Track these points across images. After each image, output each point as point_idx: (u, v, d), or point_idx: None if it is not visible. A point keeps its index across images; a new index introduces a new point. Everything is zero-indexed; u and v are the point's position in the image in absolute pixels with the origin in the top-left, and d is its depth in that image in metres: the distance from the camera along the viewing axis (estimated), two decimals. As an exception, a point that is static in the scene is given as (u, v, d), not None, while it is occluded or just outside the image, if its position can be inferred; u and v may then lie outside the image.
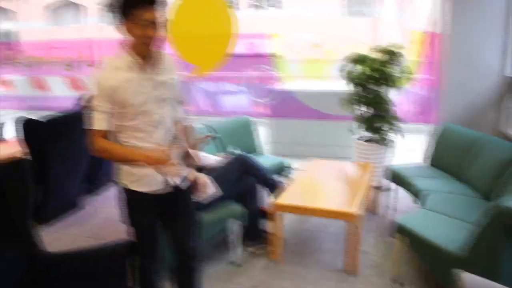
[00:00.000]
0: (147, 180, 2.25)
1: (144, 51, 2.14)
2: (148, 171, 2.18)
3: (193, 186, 2.51)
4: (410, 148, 6.43)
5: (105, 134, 2.16)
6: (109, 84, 2.10)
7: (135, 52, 2.14)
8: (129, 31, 2.09)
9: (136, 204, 2.31)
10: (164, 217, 2.40)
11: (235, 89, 6.63)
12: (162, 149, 2.17)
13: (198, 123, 4.50)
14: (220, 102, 6.90)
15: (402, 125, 5.05)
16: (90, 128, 2.14)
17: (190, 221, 2.51)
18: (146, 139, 2.20)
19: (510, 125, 4.87)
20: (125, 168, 2.25)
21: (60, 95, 7.68)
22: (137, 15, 2.05)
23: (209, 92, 6.95)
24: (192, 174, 2.46)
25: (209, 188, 3.14)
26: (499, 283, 2.06)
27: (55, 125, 4.08)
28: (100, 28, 7.46)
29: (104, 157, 2.18)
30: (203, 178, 2.49)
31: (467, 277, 2.00)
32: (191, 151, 2.41)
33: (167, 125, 2.27)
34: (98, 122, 2.13)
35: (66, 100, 7.44)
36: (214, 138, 3.90)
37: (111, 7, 2.11)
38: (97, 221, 4.33)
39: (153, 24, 2.08)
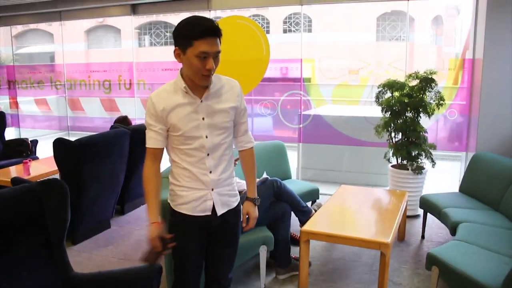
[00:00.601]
0: (194, 205, 2.22)
1: (201, 82, 2.08)
2: (198, 195, 2.20)
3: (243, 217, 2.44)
4: (444, 176, 6.31)
5: (157, 152, 2.18)
6: (162, 106, 2.10)
7: (191, 80, 2.10)
8: (188, 61, 2.02)
9: (181, 226, 2.27)
10: (209, 245, 2.35)
11: (267, 113, 6.66)
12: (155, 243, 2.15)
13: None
14: (253, 127, 6.94)
15: (436, 152, 4.97)
16: (146, 145, 2.18)
17: (233, 251, 2.43)
18: (196, 165, 2.17)
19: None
20: (174, 188, 2.26)
21: (96, 116, 7.89)
22: (198, 47, 1.98)
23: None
24: (246, 207, 2.41)
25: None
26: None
27: (89, 146, 4.18)
28: (137, 51, 7.66)
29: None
30: (253, 211, 2.43)
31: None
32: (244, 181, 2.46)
33: (220, 152, 2.22)
34: (150, 140, 2.16)
35: (103, 122, 7.67)
36: (237, 160, 3.91)
37: (174, 33, 2.06)
38: (129, 242, 4.37)
39: (214, 56, 2.02)
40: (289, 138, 6.54)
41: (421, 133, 4.85)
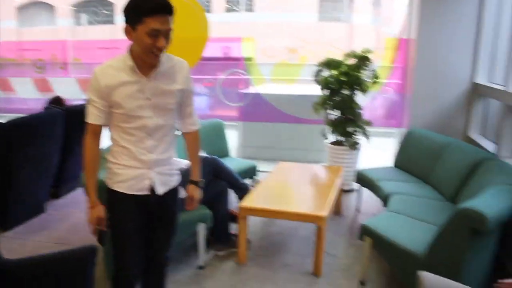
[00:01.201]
0: (132, 184, 2.18)
1: (151, 60, 2.02)
2: (136, 174, 2.16)
3: (187, 198, 2.43)
4: (379, 151, 6.54)
5: (98, 129, 2.13)
6: (106, 83, 2.03)
7: (140, 58, 2.03)
8: (138, 38, 1.97)
9: (119, 205, 2.22)
10: (147, 224, 2.30)
11: (207, 92, 6.63)
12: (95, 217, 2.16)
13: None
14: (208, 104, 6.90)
15: (372, 129, 5.12)
16: (86, 120, 2.12)
17: (172, 230, 2.42)
18: (137, 144, 2.12)
19: (478, 131, 4.98)
20: (112, 167, 2.20)
21: (27, 97, 7.55)
22: (149, 24, 1.92)
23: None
24: (191, 190, 2.41)
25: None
26: (462, 283, 2.11)
27: (19, 128, 3.99)
28: (73, 30, 7.37)
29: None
30: (197, 193, 2.42)
31: (427, 276, 2.03)
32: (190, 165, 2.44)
33: (162, 134, 2.18)
34: (91, 116, 2.10)
35: (34, 102, 7.34)
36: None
37: (124, 9, 1.98)
38: (65, 226, 4.25)
39: (165, 34, 1.97)
40: (230, 117, 6.55)
41: (356, 110, 4.98)
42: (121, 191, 2.18)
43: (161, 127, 2.16)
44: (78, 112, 4.69)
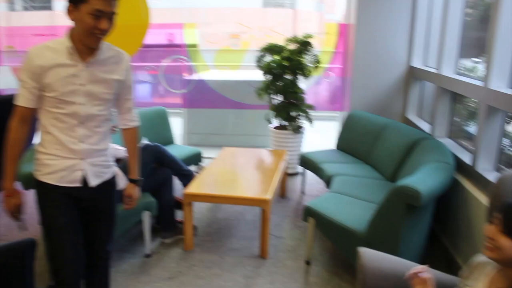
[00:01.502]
0: (62, 175, 2.06)
1: (91, 42, 1.95)
2: (67, 165, 2.05)
3: (125, 197, 2.37)
4: (323, 135, 6.69)
5: (27, 113, 2.00)
6: (39, 63, 1.92)
7: (81, 41, 1.95)
8: (80, 19, 1.89)
9: (49, 199, 2.09)
10: (84, 218, 2.20)
11: (149, 80, 6.52)
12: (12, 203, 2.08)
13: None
14: (136, 93, 6.77)
15: (316, 113, 5.22)
16: (15, 103, 2.00)
17: (110, 224, 2.33)
18: (67, 132, 2.02)
19: (415, 112, 5.19)
20: (41, 157, 2.07)
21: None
22: (93, 4, 1.86)
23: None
24: (129, 188, 2.37)
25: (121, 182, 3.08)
26: (399, 256, 2.21)
27: None
28: (7, 16, 7.01)
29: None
30: (135, 192, 2.37)
31: (366, 252, 2.12)
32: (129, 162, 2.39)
33: (95, 124, 2.08)
34: (21, 98, 1.98)
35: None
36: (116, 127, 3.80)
37: None
38: (3, 222, 4.08)
39: (108, 16, 1.91)
40: (174, 104, 6.49)
41: (299, 94, 5.05)
42: (51, 183, 2.06)
43: (94, 116, 2.07)
44: (9, 102, 4.55)
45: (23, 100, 1.99)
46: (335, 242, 3.23)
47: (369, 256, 2.12)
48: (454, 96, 4.07)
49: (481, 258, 1.71)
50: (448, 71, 4.01)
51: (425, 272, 1.75)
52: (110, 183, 2.26)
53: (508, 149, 3.76)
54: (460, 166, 3.39)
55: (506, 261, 1.50)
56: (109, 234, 2.36)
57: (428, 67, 4.75)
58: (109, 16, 1.92)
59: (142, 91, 6.71)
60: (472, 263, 1.73)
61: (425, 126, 4.52)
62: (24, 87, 1.97)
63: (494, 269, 1.62)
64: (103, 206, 2.27)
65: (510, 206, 1.51)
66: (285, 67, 4.95)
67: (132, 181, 2.37)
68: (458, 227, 3.23)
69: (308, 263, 3.34)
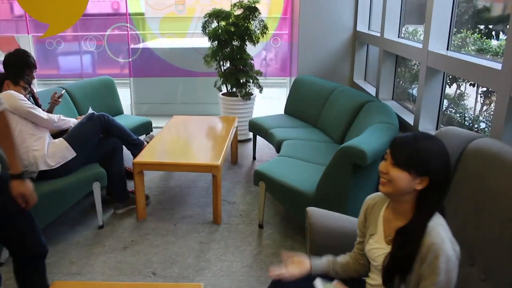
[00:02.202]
0: None
1: None
2: None
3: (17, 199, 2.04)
4: (273, 101, 6.74)
5: None
6: None
7: None
8: None
9: None
10: None
11: (94, 49, 6.32)
12: None
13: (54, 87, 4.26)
14: (79, 63, 6.55)
15: (265, 79, 5.25)
16: None
17: (26, 219, 2.12)
18: None
19: (361, 76, 5.31)
20: None
21: None
22: None
23: (66, 53, 6.56)
24: (16, 187, 2.01)
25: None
26: (347, 215, 2.30)
27: None
28: None
29: None
30: (26, 188, 2.03)
31: (313, 211, 2.19)
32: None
33: None
34: None
35: None
36: (60, 96, 3.71)
37: None
38: None
39: None
40: (120, 74, 6.34)
41: (248, 60, 5.05)
42: None
43: None
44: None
45: None
46: (286, 205, 3.31)
47: (317, 215, 2.19)
48: (398, 60, 4.20)
49: (368, 201, 1.83)
50: (391, 35, 4.11)
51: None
52: None
53: (448, 110, 3.95)
54: (403, 126, 3.52)
55: (399, 193, 1.60)
56: (33, 229, 2.16)
57: (373, 31, 4.85)
58: None
59: (86, 61, 6.50)
60: (365, 210, 1.83)
61: (371, 90, 4.65)
62: None
63: (385, 209, 1.74)
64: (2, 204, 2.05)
65: (396, 141, 1.62)
66: (232, 33, 4.92)
67: (16, 176, 1.99)
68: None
69: (261, 226, 3.42)
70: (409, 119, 3.57)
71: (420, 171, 1.55)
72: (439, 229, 1.51)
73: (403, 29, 4.17)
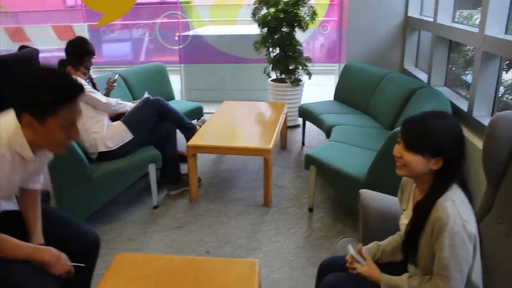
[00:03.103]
0: None
1: (60, 151, 1.74)
2: None
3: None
4: (322, 88, 6.72)
5: None
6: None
7: (45, 149, 1.77)
8: (47, 133, 1.63)
9: None
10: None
11: (145, 37, 6.49)
12: None
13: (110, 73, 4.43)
14: (132, 51, 6.75)
15: (314, 66, 5.25)
16: None
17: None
18: None
19: (412, 62, 5.22)
20: None
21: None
22: (63, 116, 1.61)
23: (120, 40, 6.77)
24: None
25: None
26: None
27: None
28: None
29: None
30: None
31: (365, 193, 2.22)
32: None
33: None
34: None
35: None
36: (115, 81, 3.88)
37: (19, 95, 1.62)
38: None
39: (77, 121, 1.69)
40: (170, 61, 6.49)
41: (296, 47, 5.06)
42: None
43: None
44: (11, 62, 4.54)
45: None
46: (336, 189, 3.34)
47: (370, 197, 2.21)
48: (451, 45, 4.11)
49: (404, 178, 1.84)
50: (444, 20, 4.02)
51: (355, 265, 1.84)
52: None
53: (505, 97, 3.85)
54: (457, 113, 3.46)
55: (415, 175, 1.63)
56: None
57: (425, 16, 4.75)
58: (77, 120, 1.70)
59: (138, 48, 6.69)
60: (401, 186, 1.87)
61: (422, 76, 4.57)
62: None
63: (414, 187, 1.76)
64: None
65: (405, 123, 1.63)
66: (281, 19, 4.94)
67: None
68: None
69: (311, 210, 3.46)
70: (463, 105, 3.50)
71: (432, 153, 1.56)
72: (446, 205, 1.53)
73: (457, 14, 4.07)
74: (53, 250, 1.80)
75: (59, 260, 1.79)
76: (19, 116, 1.64)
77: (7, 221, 1.91)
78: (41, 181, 2.03)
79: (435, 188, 1.60)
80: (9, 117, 1.68)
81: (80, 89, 1.65)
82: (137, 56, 6.71)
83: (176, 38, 6.32)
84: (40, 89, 1.58)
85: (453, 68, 4.45)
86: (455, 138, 1.57)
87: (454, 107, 3.51)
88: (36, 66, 1.63)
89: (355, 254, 1.82)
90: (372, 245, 1.94)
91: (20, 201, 1.98)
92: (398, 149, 1.64)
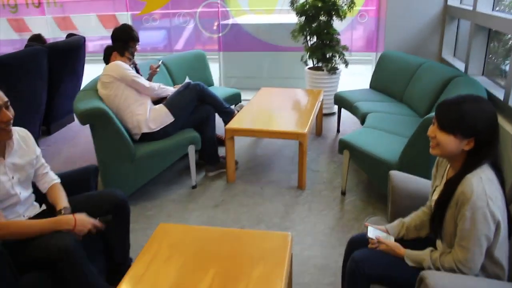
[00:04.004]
0: None
1: (2, 137, 1.99)
2: None
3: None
4: (358, 77, 6.75)
5: None
6: None
7: None
8: None
9: None
10: None
11: (186, 25, 6.67)
12: None
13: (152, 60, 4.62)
14: (172, 39, 6.95)
15: (350, 56, 5.30)
16: None
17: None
18: (7, 213, 2.08)
19: (450, 52, 5.19)
20: None
21: (4, 38, 7.45)
22: None
23: (161, 28, 6.98)
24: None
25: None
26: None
27: (5, 65, 4.00)
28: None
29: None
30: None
31: (395, 174, 2.31)
32: None
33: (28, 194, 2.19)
34: None
35: (12, 43, 7.28)
36: (158, 66, 4.07)
37: None
38: (60, 160, 4.43)
39: (5, 106, 1.92)
40: (210, 49, 6.65)
41: (334, 35, 5.13)
42: None
43: (29, 198, 2.19)
44: (61, 49, 4.80)
45: None
46: (369, 173, 3.42)
47: (399, 178, 2.30)
48: (490, 34, 4.09)
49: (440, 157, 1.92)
50: (484, 8, 4.01)
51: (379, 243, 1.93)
52: None
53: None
54: (493, 101, 3.47)
55: (448, 154, 1.72)
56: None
57: (465, 5, 4.72)
58: (5, 106, 1.93)
59: (178, 36, 6.88)
60: (436, 163, 1.96)
61: (460, 65, 4.55)
62: None
63: (448, 167, 1.84)
64: None
65: (440, 105, 1.72)
66: (319, 8, 5.01)
67: (59, 212, 2.11)
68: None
69: (343, 193, 3.55)
70: (499, 94, 3.50)
71: (465, 134, 1.64)
72: (473, 180, 1.61)
73: (498, 2, 4.05)
74: (67, 217, 2.03)
75: (77, 222, 2.01)
76: None
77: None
78: (54, 177, 2.30)
79: (466, 166, 1.69)
80: None
81: None
82: (178, 44, 6.91)
83: (215, 27, 6.47)
84: None
85: (493, 58, 4.42)
86: (488, 120, 1.64)
87: (490, 96, 3.52)
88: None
89: (374, 236, 1.92)
90: (396, 222, 2.04)
91: (50, 199, 2.22)
92: (432, 130, 1.73)
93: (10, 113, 1.95)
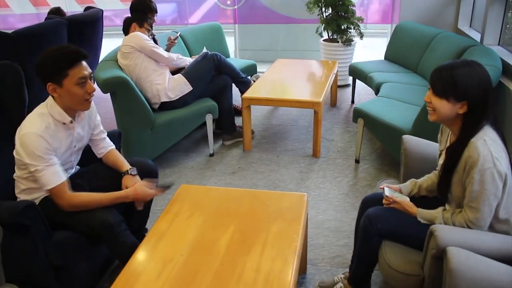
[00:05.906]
0: None
1: (85, 107, 2.13)
2: None
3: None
4: (373, 51, 6.74)
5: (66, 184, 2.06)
6: (55, 145, 2.06)
7: (72, 110, 2.11)
8: (67, 92, 2.01)
9: None
10: None
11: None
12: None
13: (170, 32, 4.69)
14: (187, 11, 7.00)
15: (365, 29, 5.31)
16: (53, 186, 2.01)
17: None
18: None
19: (467, 22, 5.17)
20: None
21: (24, 13, 7.54)
22: (74, 75, 1.98)
23: (175, 1, 7.04)
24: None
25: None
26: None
27: (27, 37, 4.09)
28: None
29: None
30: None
31: (408, 138, 2.38)
32: None
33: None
34: (56, 176, 2.02)
35: (28, 19, 7.37)
36: (176, 38, 4.14)
37: (39, 71, 1.99)
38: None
39: (90, 77, 2.06)
40: (225, 22, 6.68)
41: (349, 7, 5.13)
42: None
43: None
44: (79, 21, 4.88)
45: (59, 177, 2.04)
46: (382, 141, 3.49)
47: (412, 142, 2.37)
48: (508, 3, 4.07)
49: None
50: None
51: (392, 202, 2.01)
52: None
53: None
54: (508, 70, 3.49)
55: (444, 119, 1.81)
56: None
57: (482, -26, 4.68)
58: (90, 77, 2.07)
59: (194, 9, 6.91)
60: (441, 128, 2.05)
61: (476, 36, 4.55)
62: (52, 165, 2.02)
63: (448, 131, 1.93)
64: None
65: (434, 71, 1.79)
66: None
67: (125, 173, 2.31)
68: (503, 127, 3.39)
69: (357, 161, 3.64)
70: (515, 63, 3.51)
71: (457, 97, 1.72)
72: (478, 144, 1.68)
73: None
74: (128, 191, 2.20)
75: (140, 196, 2.20)
76: (46, 87, 2.03)
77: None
78: (110, 143, 2.44)
79: (465, 130, 1.77)
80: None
81: (83, 54, 2.03)
82: (194, 17, 6.94)
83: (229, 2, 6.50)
84: (51, 60, 1.98)
85: (510, 27, 4.40)
86: (479, 84, 1.71)
87: (506, 65, 3.53)
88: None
89: (390, 194, 2.00)
90: (409, 182, 2.12)
91: (108, 162, 2.39)
92: (428, 95, 1.83)
93: (93, 84, 2.10)
